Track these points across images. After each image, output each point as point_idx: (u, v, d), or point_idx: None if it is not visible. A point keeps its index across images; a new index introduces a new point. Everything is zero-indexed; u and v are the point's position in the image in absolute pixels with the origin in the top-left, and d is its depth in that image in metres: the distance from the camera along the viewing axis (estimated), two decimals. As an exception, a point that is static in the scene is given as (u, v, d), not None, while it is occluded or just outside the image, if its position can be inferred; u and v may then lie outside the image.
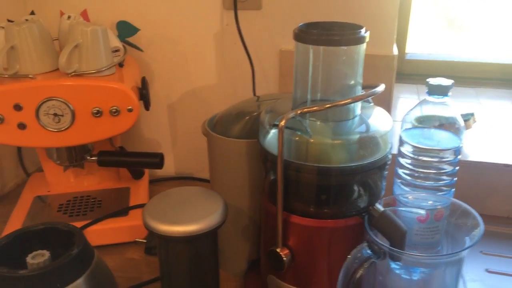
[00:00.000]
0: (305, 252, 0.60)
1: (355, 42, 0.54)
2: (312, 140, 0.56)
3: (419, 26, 1.24)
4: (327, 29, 0.56)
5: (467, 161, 0.86)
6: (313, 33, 0.54)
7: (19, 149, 1.00)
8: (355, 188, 0.60)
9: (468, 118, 0.95)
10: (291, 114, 0.53)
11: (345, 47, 0.54)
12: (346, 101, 0.55)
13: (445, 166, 0.68)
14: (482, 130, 0.99)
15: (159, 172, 1.06)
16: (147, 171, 0.98)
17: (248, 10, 0.89)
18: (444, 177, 0.69)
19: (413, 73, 1.29)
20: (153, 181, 1.02)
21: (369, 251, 0.56)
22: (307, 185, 0.58)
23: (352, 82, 0.58)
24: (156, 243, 0.79)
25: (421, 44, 1.31)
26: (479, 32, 1.38)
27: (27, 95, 0.72)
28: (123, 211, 0.84)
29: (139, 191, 0.92)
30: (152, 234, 0.80)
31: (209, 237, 0.57)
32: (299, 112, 0.54)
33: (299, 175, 0.57)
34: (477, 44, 1.39)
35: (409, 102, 1.14)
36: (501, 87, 1.25)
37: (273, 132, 0.59)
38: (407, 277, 0.63)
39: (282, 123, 0.53)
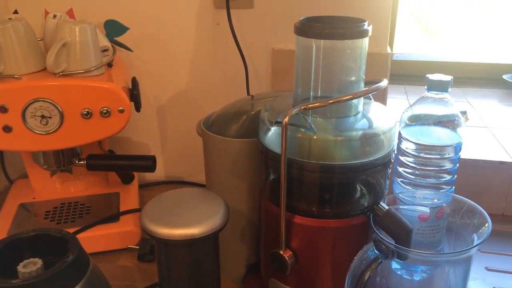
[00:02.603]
0: (308, 254, 0.58)
1: (359, 35, 0.53)
2: (315, 137, 0.54)
3: (398, 32, 1.25)
4: (329, 23, 0.55)
5: (461, 158, 0.86)
6: (316, 27, 0.53)
7: (1, 155, 0.96)
8: (359, 186, 0.59)
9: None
10: (295, 110, 0.52)
11: (349, 41, 0.53)
12: (350, 96, 0.53)
13: (446, 163, 0.67)
14: (474, 128, 0.99)
15: (148, 177, 1.04)
16: (136, 176, 0.95)
17: (239, 9, 0.88)
18: (445, 175, 0.68)
19: (401, 73, 1.30)
20: (142, 186, 0.99)
21: (376, 251, 0.54)
22: (310, 183, 0.57)
23: (355, 77, 0.56)
24: (150, 248, 0.77)
25: (401, 49, 1.33)
26: (453, 37, 1.41)
27: (12, 96, 0.68)
28: (114, 217, 0.81)
29: (129, 196, 0.89)
30: (145, 240, 0.78)
31: (211, 240, 0.54)
32: (303, 108, 0.52)
33: (302, 173, 0.56)
34: (451, 48, 1.41)
35: (398, 102, 1.14)
36: (487, 86, 1.27)
37: (274, 129, 0.57)
38: (409, 277, 0.62)
39: (286, 119, 0.51)
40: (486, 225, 0.54)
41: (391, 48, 1.27)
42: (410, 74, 1.30)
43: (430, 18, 1.43)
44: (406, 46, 1.35)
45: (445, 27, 1.42)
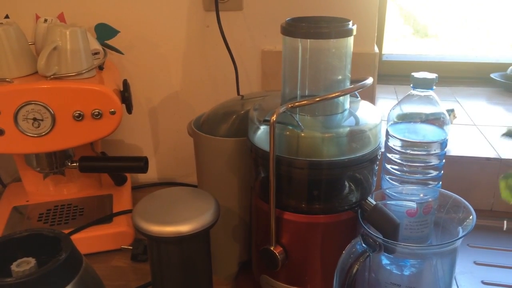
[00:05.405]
0: (298, 249, 0.59)
1: (344, 34, 0.54)
2: (303, 134, 0.55)
3: (389, 33, 1.27)
4: (314, 23, 0.56)
5: (449, 155, 0.87)
6: (302, 27, 0.54)
7: (-6, 159, 0.97)
8: (347, 182, 0.60)
9: (448, 114, 0.96)
10: (282, 109, 0.53)
11: (334, 40, 0.54)
12: (336, 94, 0.54)
13: (432, 159, 0.68)
14: (461, 126, 1.00)
15: (141, 178, 1.04)
16: (129, 177, 0.96)
17: (229, 11, 0.89)
18: (431, 171, 0.69)
19: (390, 73, 1.31)
20: (135, 188, 0.99)
21: (364, 245, 0.55)
22: (299, 180, 0.58)
23: (341, 76, 0.57)
24: (143, 248, 0.78)
25: (391, 49, 1.34)
26: (443, 37, 1.42)
27: (4, 99, 0.69)
28: (107, 218, 0.82)
29: (122, 198, 0.89)
30: (139, 240, 0.79)
31: (201, 238, 0.55)
32: (290, 106, 0.53)
33: (290, 170, 0.56)
34: (441, 48, 1.43)
35: (388, 102, 1.15)
36: (476, 85, 1.28)
37: (263, 128, 0.58)
38: (398, 272, 0.63)
39: (274, 117, 0.52)
40: (471, 217, 0.56)
41: (381, 49, 1.29)
42: (400, 74, 1.31)
43: (421, 18, 1.44)
44: (396, 47, 1.36)
45: (436, 27, 1.44)
